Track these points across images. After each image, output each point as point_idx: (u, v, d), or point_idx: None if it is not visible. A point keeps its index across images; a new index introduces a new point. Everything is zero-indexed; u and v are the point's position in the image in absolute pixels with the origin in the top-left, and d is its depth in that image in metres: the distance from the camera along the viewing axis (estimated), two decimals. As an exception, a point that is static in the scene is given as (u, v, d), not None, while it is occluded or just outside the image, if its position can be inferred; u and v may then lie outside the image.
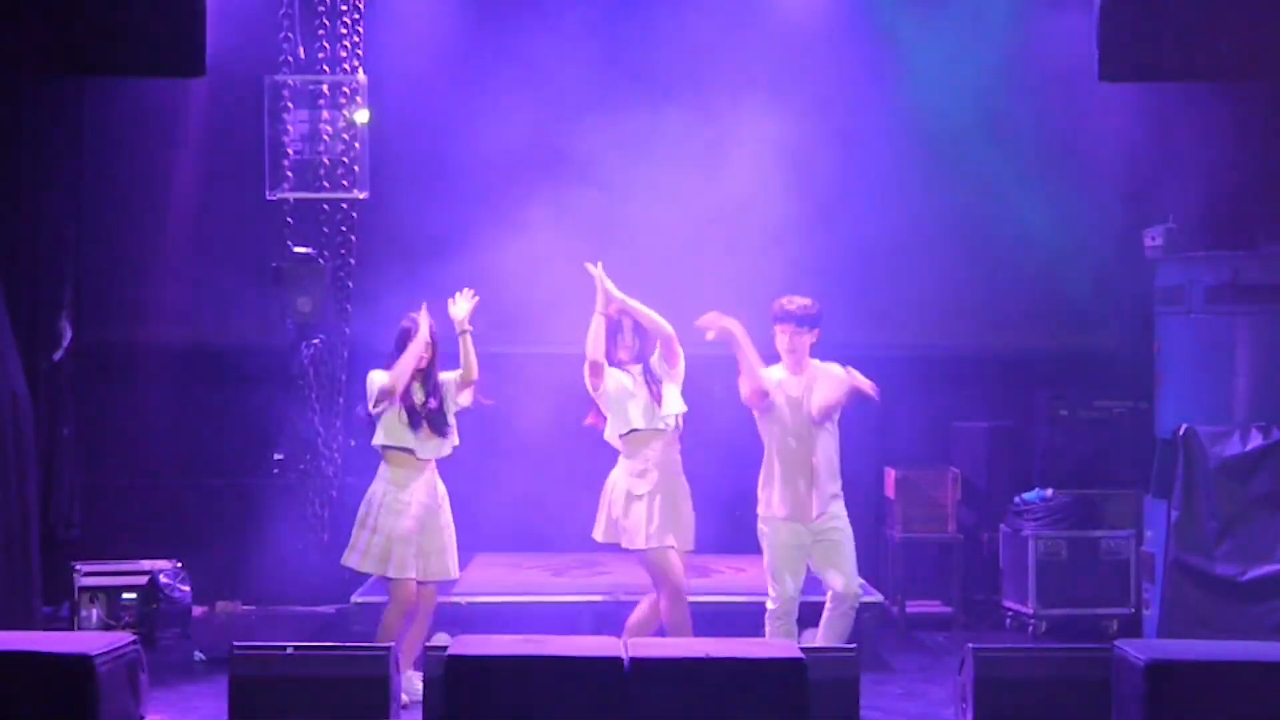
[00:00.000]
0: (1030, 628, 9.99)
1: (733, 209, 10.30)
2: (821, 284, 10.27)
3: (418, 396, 8.12)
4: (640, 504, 8.05)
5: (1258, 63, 8.01)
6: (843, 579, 7.97)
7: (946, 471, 10.40)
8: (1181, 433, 9.17)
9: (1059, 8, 10.13)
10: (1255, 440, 9.08)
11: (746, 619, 8.35)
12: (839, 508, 8.07)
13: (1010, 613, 10.26)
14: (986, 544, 10.57)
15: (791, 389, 8.06)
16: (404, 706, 7.66)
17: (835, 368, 8.10)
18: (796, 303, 8.10)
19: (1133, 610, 9.92)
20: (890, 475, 10.48)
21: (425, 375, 8.14)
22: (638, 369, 8.22)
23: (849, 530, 8.09)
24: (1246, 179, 9.98)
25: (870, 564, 10.52)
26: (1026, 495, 10.27)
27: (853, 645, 7.44)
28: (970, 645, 7.33)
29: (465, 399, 8.21)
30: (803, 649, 6.93)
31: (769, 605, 7.99)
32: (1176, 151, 10.24)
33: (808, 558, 8.02)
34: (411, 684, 7.85)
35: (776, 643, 7.55)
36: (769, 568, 8.01)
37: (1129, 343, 10.58)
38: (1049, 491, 10.20)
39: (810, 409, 8.01)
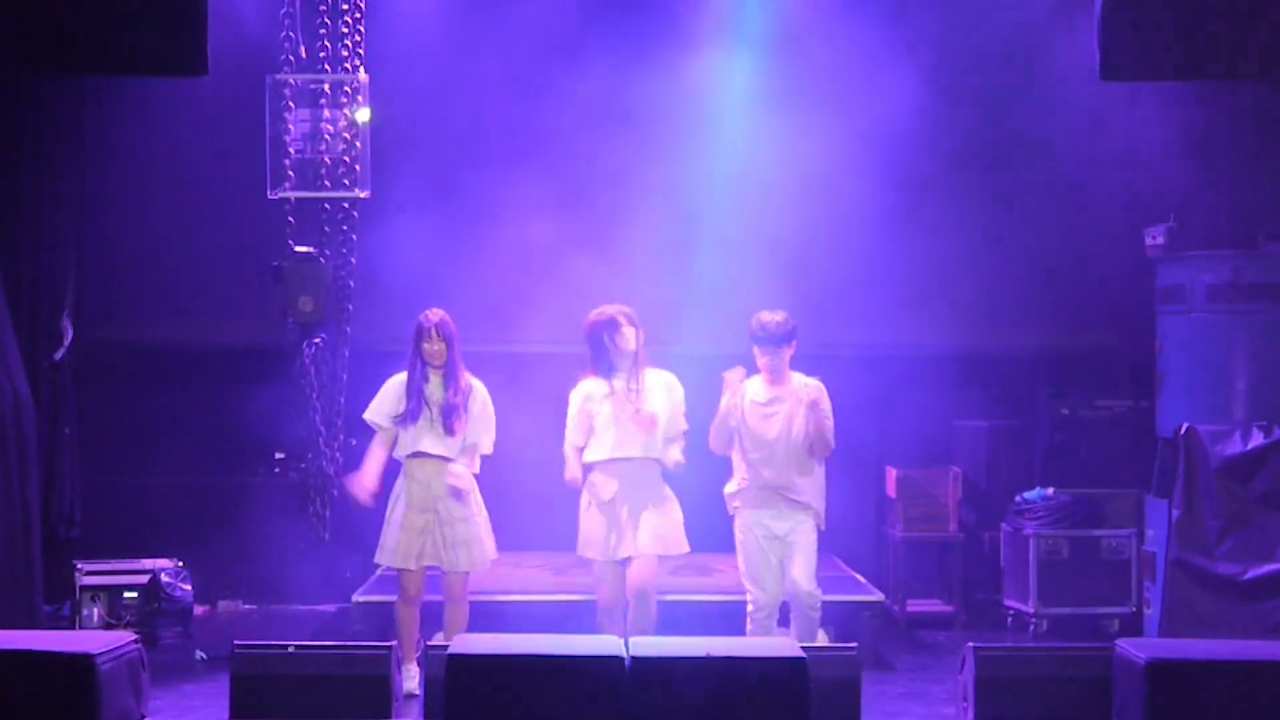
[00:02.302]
0: (1031, 627, 9.99)
1: (735, 208, 10.30)
2: (822, 284, 10.33)
3: (435, 395, 8.13)
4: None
5: (1258, 63, 8.00)
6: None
7: (948, 470, 10.40)
8: (1183, 432, 9.17)
9: (1060, 6, 10.12)
10: (1256, 439, 9.07)
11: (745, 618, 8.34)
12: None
13: (1011, 612, 10.26)
14: (988, 543, 10.57)
15: (765, 399, 8.13)
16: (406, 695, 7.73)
17: (813, 383, 8.17)
18: (774, 320, 8.10)
19: (1134, 609, 9.92)
20: (891, 474, 10.48)
21: (444, 373, 8.16)
22: (622, 381, 8.11)
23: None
24: (1247, 179, 9.98)
25: (871, 563, 10.55)
26: (1028, 494, 10.27)
27: (853, 644, 7.44)
28: (971, 644, 7.32)
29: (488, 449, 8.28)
30: (803, 648, 6.93)
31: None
32: (1177, 151, 10.23)
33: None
34: (409, 677, 7.90)
35: (777, 642, 7.55)
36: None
37: (1130, 342, 10.58)
38: (1050, 490, 10.20)
39: (795, 435, 8.09)
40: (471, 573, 8.22)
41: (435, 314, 8.22)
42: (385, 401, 8.27)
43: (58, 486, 10.23)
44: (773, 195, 10.29)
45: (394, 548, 8.12)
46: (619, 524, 8.06)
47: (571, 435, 8.19)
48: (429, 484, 8.11)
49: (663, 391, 8.12)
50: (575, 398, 8.19)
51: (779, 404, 8.12)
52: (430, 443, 8.14)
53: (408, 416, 8.14)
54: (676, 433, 8.13)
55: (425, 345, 8.16)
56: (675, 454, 8.11)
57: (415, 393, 8.15)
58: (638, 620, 8.05)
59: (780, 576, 8.10)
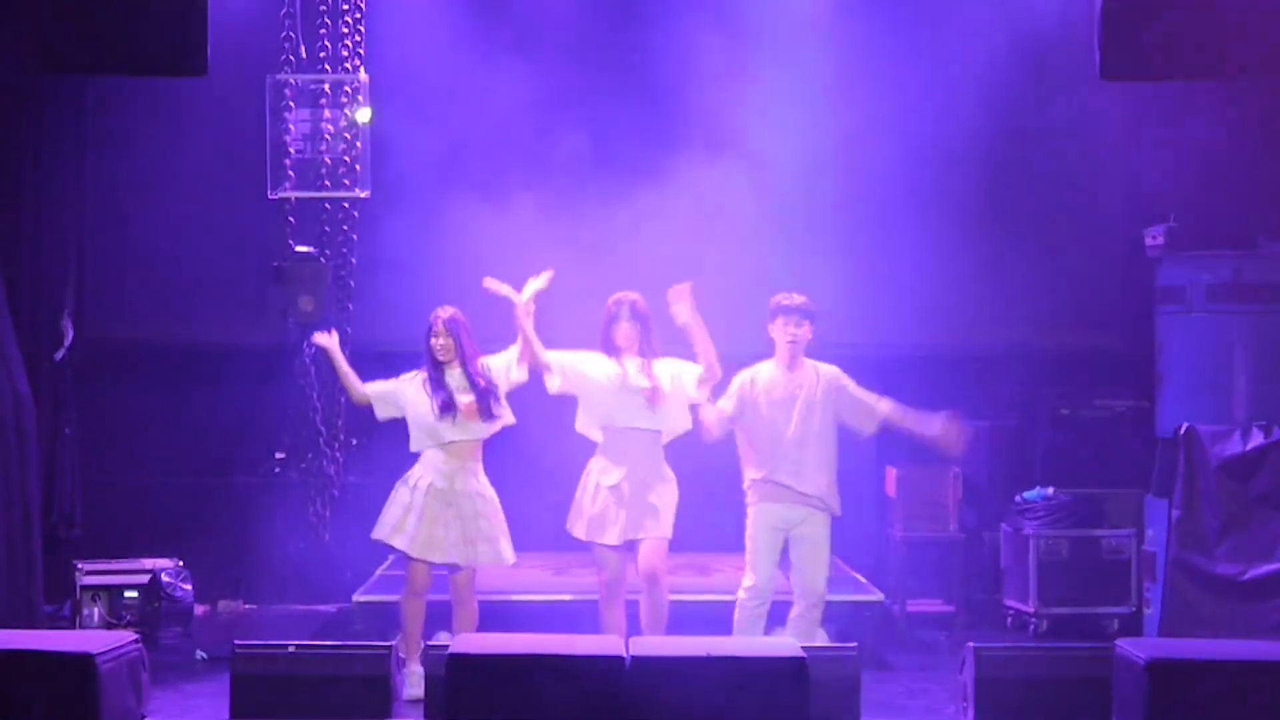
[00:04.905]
0: (1031, 626, 9.99)
1: (735, 209, 10.29)
2: (822, 283, 10.29)
3: (456, 385, 8.10)
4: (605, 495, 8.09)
5: (1258, 62, 8.01)
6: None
7: (948, 470, 10.37)
8: (1183, 431, 9.17)
9: (1060, 4, 10.12)
10: (1256, 439, 9.08)
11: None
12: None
13: (1011, 611, 10.26)
14: (988, 543, 10.57)
15: (778, 388, 8.12)
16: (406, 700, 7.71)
17: (831, 370, 8.17)
18: (797, 298, 8.14)
19: (1134, 609, 9.91)
20: (891, 474, 10.47)
21: (464, 368, 8.14)
22: (635, 363, 8.16)
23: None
24: (1246, 178, 9.99)
25: (871, 563, 10.54)
26: (1028, 494, 10.27)
27: (853, 644, 7.44)
28: (971, 644, 7.33)
29: (522, 374, 8.24)
30: (804, 648, 6.93)
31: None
32: (1176, 151, 10.24)
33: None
34: (413, 680, 7.87)
35: (777, 642, 7.55)
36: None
37: (1130, 341, 10.59)
38: (1050, 490, 10.20)
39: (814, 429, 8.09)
40: (478, 571, 8.17)
41: (445, 311, 8.22)
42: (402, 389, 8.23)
43: (58, 486, 10.24)
44: (773, 196, 10.28)
45: (404, 529, 8.01)
46: (624, 506, 8.03)
47: (551, 352, 8.19)
48: (452, 477, 8.08)
49: (668, 375, 8.13)
50: (582, 352, 8.22)
51: (795, 396, 8.11)
52: (455, 433, 8.08)
53: (443, 409, 8.07)
54: (691, 399, 8.13)
55: (432, 340, 8.17)
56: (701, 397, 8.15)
57: (440, 387, 8.11)
58: (651, 609, 8.04)
59: (776, 566, 8.10)
